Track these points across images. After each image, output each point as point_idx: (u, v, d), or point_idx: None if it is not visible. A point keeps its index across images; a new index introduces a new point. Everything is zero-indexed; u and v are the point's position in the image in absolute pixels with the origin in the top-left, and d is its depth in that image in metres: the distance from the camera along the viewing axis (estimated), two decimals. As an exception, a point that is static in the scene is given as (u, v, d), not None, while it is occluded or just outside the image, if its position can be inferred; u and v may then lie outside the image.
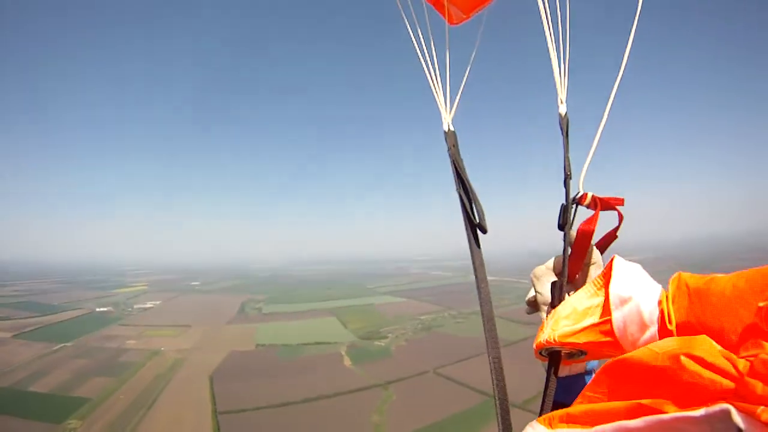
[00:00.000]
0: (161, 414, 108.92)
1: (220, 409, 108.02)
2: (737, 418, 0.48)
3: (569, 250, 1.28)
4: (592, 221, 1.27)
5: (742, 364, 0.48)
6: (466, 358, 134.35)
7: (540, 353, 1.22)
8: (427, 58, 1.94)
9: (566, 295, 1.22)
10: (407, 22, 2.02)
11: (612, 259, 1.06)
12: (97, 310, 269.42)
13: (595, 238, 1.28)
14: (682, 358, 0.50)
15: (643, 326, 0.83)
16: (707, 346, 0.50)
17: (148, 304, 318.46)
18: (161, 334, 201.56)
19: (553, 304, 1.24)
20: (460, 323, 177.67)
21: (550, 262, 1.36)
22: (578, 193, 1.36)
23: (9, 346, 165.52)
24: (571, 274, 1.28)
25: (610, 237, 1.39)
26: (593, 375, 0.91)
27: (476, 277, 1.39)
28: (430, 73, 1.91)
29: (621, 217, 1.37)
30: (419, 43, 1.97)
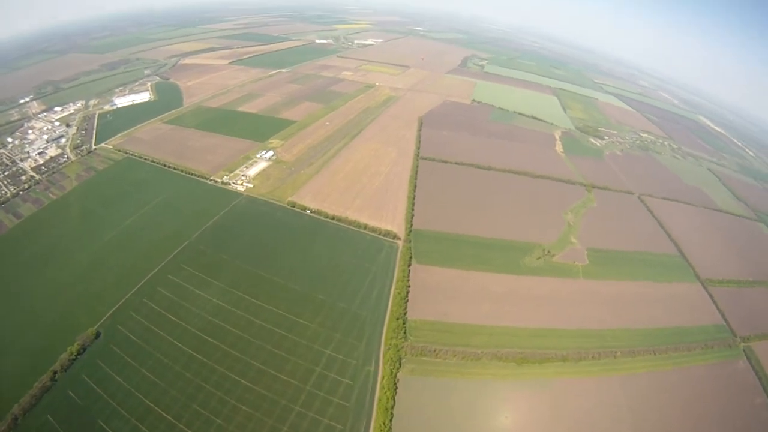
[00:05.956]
0: (363, 146, 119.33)
1: (423, 154, 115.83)
2: None
3: None
4: None
5: None
6: (672, 199, 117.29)
7: None
8: None
9: None
10: None
11: None
12: (317, 41, 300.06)
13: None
14: None
15: None
16: None
17: (369, 41, 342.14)
18: (378, 70, 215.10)
19: None
20: (678, 160, 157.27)
21: None
22: None
23: (226, 71, 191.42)
24: None
25: None
26: None
27: None
28: None
29: None
30: None
